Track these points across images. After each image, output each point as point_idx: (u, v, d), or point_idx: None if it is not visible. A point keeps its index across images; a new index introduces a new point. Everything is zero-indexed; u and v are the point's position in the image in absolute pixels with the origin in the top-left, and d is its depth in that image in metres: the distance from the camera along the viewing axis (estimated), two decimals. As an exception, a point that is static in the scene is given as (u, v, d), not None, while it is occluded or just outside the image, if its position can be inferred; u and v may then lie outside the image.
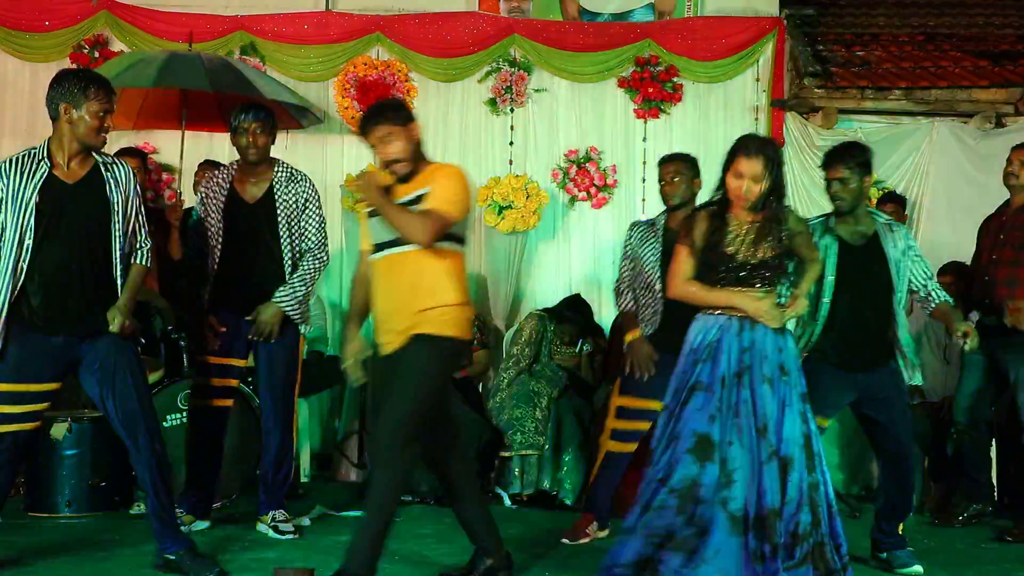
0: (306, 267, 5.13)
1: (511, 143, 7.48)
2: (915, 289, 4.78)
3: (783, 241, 4.13)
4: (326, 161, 7.51)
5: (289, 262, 5.12)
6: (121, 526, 5.27)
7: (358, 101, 7.42)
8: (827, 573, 4.02)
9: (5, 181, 4.14)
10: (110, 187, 4.26)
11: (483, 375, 6.86)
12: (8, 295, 4.13)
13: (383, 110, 4.12)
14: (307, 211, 5.15)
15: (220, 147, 7.24)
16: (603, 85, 7.58)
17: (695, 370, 4.14)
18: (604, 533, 5.25)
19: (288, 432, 5.20)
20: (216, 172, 5.32)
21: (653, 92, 7.50)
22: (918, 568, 4.69)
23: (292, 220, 5.11)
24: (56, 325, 4.19)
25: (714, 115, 7.57)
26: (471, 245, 7.41)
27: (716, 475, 4.02)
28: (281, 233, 5.09)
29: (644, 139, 7.55)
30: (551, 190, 7.44)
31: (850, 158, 4.63)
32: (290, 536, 5.04)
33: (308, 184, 5.18)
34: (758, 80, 7.57)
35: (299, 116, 7.05)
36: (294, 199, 5.12)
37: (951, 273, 6.16)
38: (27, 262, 4.13)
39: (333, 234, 7.48)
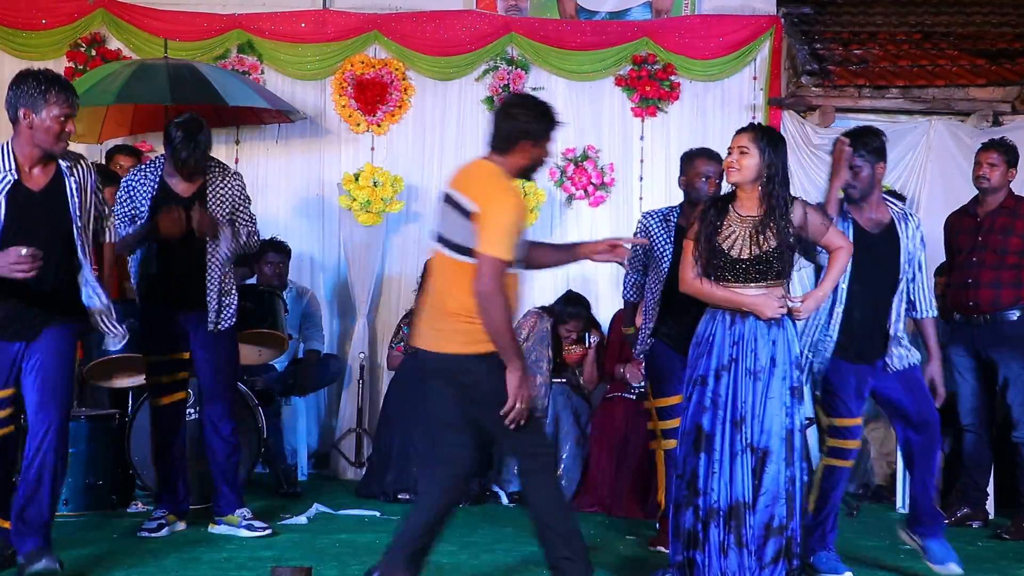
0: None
1: (509, 142, 7.46)
2: (912, 293, 4.66)
3: (787, 233, 4.08)
4: (323, 159, 7.51)
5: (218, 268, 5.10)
6: (117, 525, 5.27)
7: (355, 99, 7.42)
8: (795, 569, 4.07)
9: None
10: (71, 193, 4.15)
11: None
12: None
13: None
14: (241, 207, 5.19)
15: (216, 147, 7.22)
16: (600, 83, 7.57)
17: (697, 364, 4.20)
18: None
19: (235, 420, 5.21)
20: (144, 165, 5.29)
21: (650, 90, 7.49)
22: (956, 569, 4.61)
23: (227, 216, 5.10)
24: (17, 332, 4.11)
25: (711, 113, 7.57)
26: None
27: (709, 466, 4.09)
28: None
29: (641, 137, 7.55)
30: (548, 188, 7.44)
31: (861, 144, 4.56)
32: (263, 533, 5.05)
33: (239, 179, 5.22)
34: (755, 78, 7.57)
35: (286, 111, 7.05)
36: (228, 194, 5.12)
37: (948, 275, 6.15)
38: None
39: (330, 234, 7.50)
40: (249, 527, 5.05)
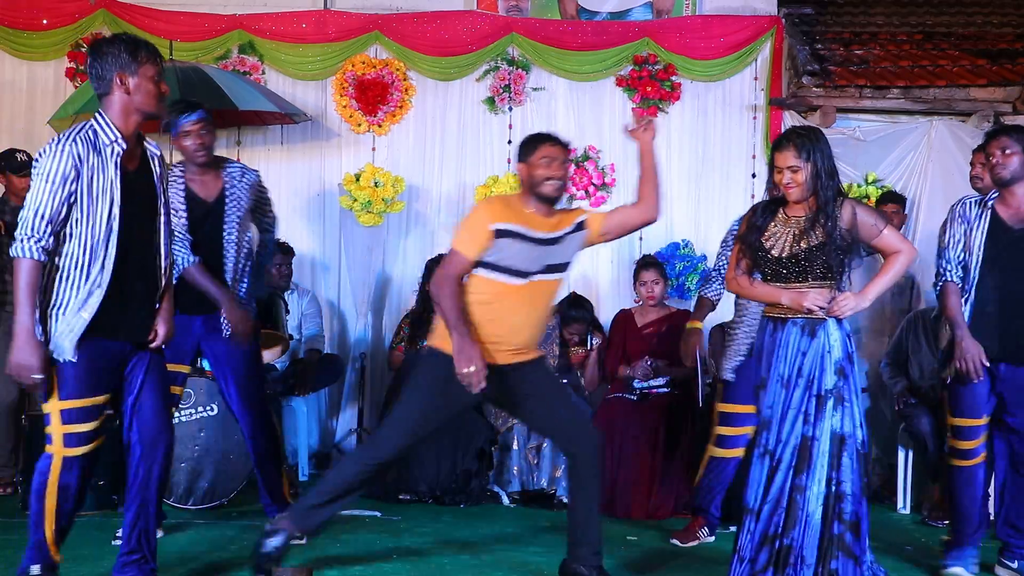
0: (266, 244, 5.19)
1: (509, 142, 7.47)
2: None
3: (836, 231, 3.99)
4: (324, 159, 7.51)
5: (232, 260, 5.00)
6: (119, 525, 5.26)
7: (356, 100, 7.43)
8: None
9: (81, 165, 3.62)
10: (156, 178, 3.85)
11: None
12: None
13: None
14: (265, 205, 5.16)
15: (217, 148, 7.23)
16: (601, 84, 7.57)
17: (755, 373, 4.23)
18: (712, 538, 5.28)
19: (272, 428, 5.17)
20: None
21: (651, 91, 7.50)
22: None
23: (244, 218, 5.01)
24: (119, 331, 3.79)
25: (712, 114, 7.57)
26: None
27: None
28: (230, 232, 4.97)
29: (642, 138, 7.55)
30: (549, 189, 7.43)
31: (1017, 131, 4.59)
32: (295, 541, 4.99)
33: (257, 175, 5.10)
34: (756, 79, 7.57)
35: (290, 112, 7.05)
36: (247, 195, 5.01)
37: None
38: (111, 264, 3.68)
39: (331, 234, 7.50)
40: None
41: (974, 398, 4.63)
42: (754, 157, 7.49)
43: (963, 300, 4.62)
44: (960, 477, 4.73)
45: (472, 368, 4.03)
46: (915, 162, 7.39)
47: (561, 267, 4.31)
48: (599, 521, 4.33)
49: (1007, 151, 4.56)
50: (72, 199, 3.60)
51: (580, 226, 4.32)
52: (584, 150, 7.48)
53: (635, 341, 6.36)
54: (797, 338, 4.05)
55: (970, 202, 4.69)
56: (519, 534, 5.32)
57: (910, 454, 6.20)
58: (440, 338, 4.23)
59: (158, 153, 3.91)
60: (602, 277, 7.42)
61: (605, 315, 6.95)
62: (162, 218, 3.86)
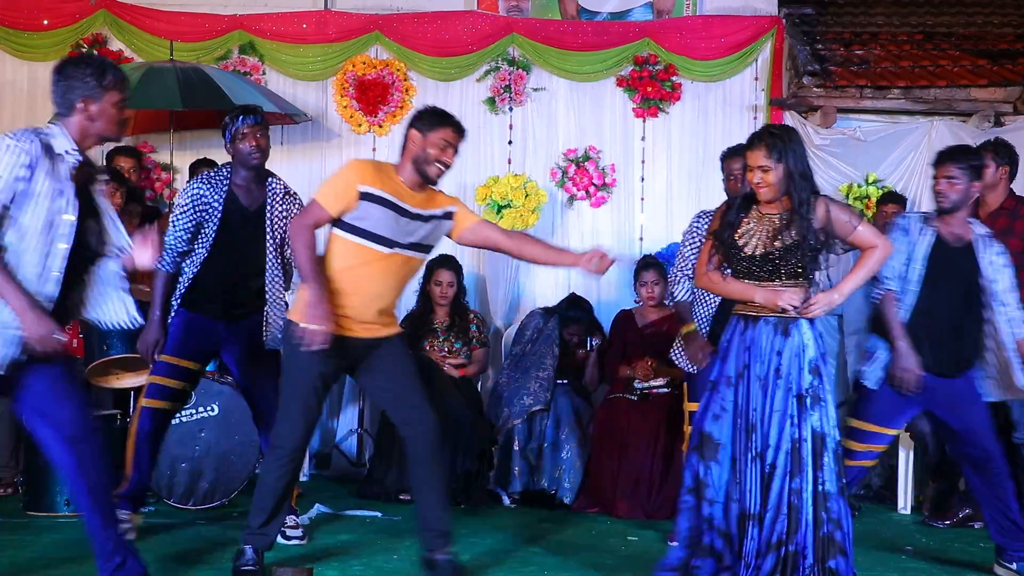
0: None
1: (510, 142, 7.48)
2: (1011, 317, 4.68)
3: (810, 230, 4.01)
4: (324, 160, 7.51)
5: (273, 272, 5.00)
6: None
7: (357, 100, 7.43)
8: None
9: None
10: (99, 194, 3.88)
11: (482, 375, 6.86)
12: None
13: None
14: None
15: (217, 148, 7.24)
16: (602, 84, 7.57)
17: (712, 369, 4.22)
18: None
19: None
20: (210, 173, 5.03)
21: (652, 91, 7.49)
22: None
23: (284, 232, 4.98)
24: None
25: (713, 114, 7.57)
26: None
27: (720, 475, 4.07)
28: (271, 243, 4.97)
29: (643, 138, 7.55)
30: (550, 189, 7.44)
31: (964, 159, 4.67)
32: (296, 542, 4.99)
33: (299, 199, 5.06)
34: (757, 79, 7.57)
35: (291, 113, 7.06)
36: (288, 214, 4.97)
37: None
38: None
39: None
40: (281, 534, 4.96)
41: (892, 407, 4.70)
42: (755, 157, 7.48)
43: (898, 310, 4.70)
44: None
45: (316, 326, 4.01)
46: (916, 162, 7.38)
47: (425, 248, 4.31)
48: (443, 505, 4.30)
49: (952, 181, 4.65)
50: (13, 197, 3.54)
51: (449, 215, 4.33)
52: (584, 150, 7.48)
53: (635, 341, 6.36)
54: (771, 337, 4.06)
55: (914, 218, 4.78)
56: (519, 534, 5.32)
57: (910, 454, 6.20)
58: (297, 312, 4.17)
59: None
60: (602, 278, 7.41)
61: (605, 315, 6.95)
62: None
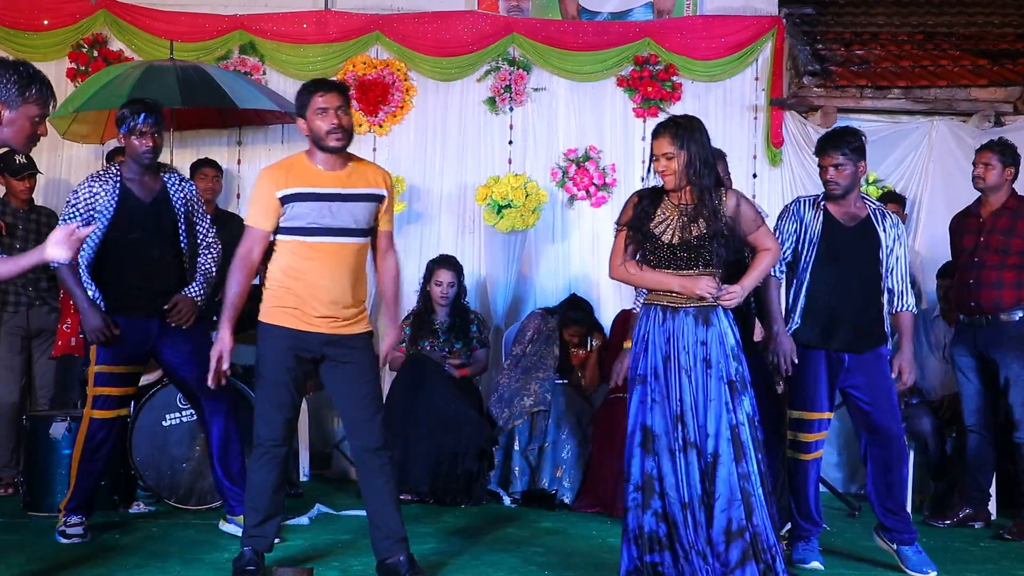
0: (205, 262, 5.12)
1: (510, 142, 7.48)
2: (889, 287, 4.76)
3: (719, 220, 4.14)
4: (325, 160, 7.50)
5: (187, 262, 5.05)
6: (120, 525, 5.27)
7: (357, 100, 7.42)
8: (767, 565, 4.04)
9: None
10: None
11: (482, 375, 6.86)
12: None
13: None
14: (199, 213, 5.12)
15: (218, 148, 7.25)
16: (602, 84, 7.57)
17: (636, 363, 4.25)
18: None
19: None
20: (100, 172, 5.02)
21: (652, 91, 7.49)
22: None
23: (187, 220, 5.03)
24: None
25: (713, 114, 7.55)
26: (471, 244, 7.49)
27: (663, 466, 4.12)
28: (181, 233, 5.00)
29: (643, 138, 7.53)
30: (550, 189, 7.44)
31: (844, 143, 4.68)
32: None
33: (194, 186, 5.16)
34: (757, 79, 7.56)
35: (290, 111, 7.04)
36: (186, 199, 5.03)
37: (952, 276, 6.13)
38: None
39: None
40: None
41: (816, 391, 4.71)
42: (755, 157, 7.49)
43: (793, 293, 4.73)
44: (799, 470, 4.78)
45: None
46: (916, 162, 7.38)
47: (359, 232, 4.27)
48: (395, 510, 4.34)
49: (840, 168, 4.67)
50: None
51: (379, 198, 4.33)
52: (585, 150, 7.48)
53: (636, 341, 6.36)
54: (693, 328, 4.14)
55: (805, 201, 4.83)
56: (519, 534, 5.32)
57: (911, 454, 6.19)
58: (263, 312, 4.30)
59: None
60: (602, 278, 7.40)
61: (605, 316, 6.95)
62: None
